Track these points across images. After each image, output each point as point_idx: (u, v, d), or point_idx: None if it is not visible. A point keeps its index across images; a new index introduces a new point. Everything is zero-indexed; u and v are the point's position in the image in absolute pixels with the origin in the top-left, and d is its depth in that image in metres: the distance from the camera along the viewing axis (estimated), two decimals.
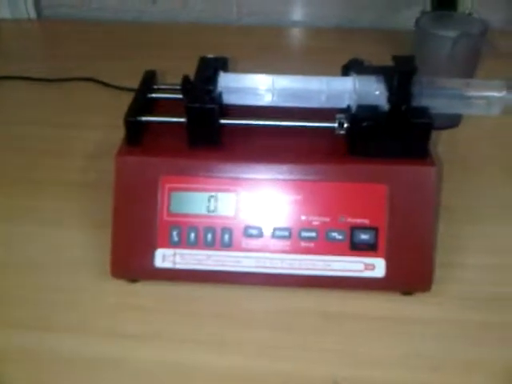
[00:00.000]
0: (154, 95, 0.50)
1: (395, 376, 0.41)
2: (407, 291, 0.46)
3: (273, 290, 0.46)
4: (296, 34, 0.92)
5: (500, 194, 0.56)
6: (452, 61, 0.61)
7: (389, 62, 0.47)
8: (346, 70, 0.50)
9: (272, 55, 0.83)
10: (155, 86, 0.51)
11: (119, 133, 0.63)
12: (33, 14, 0.93)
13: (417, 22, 0.62)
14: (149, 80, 0.51)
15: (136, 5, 0.92)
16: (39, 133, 0.67)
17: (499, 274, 0.49)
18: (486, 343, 0.43)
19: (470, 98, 0.45)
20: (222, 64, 0.49)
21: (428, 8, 0.79)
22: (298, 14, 0.92)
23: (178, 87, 0.50)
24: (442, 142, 0.62)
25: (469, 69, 0.62)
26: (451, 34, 0.60)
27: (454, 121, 0.65)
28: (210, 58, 0.50)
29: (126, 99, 0.71)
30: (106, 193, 0.52)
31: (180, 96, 0.49)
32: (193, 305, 0.46)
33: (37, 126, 0.68)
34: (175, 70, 0.70)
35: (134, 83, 0.73)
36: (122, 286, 0.47)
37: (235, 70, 0.50)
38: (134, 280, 0.47)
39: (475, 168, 0.60)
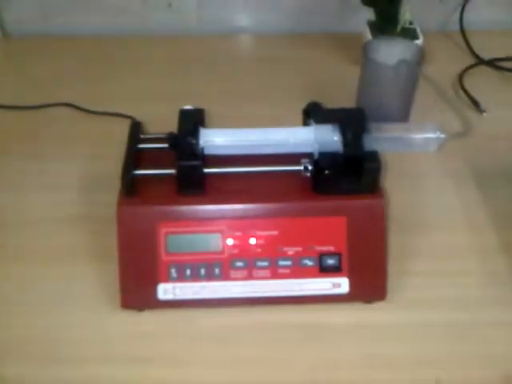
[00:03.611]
0: (141, 146, 0.57)
1: (358, 375, 0.52)
2: (367, 301, 0.56)
3: (258, 310, 0.55)
4: (250, 41, 0.98)
5: (439, 205, 0.67)
6: (393, 85, 0.70)
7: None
8: (306, 114, 0.58)
9: (233, 63, 0.90)
10: (142, 136, 0.58)
11: (102, 163, 0.69)
12: None
13: (363, 50, 0.71)
14: (135, 131, 0.58)
15: (98, 18, 0.96)
16: (19, 167, 0.70)
17: (443, 278, 0.59)
18: (435, 339, 0.54)
19: (410, 139, 0.54)
20: (199, 115, 0.57)
21: (372, 16, 0.87)
22: (250, 20, 0.98)
23: (163, 136, 0.58)
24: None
25: (408, 92, 0.71)
26: (392, 61, 0.69)
27: None
28: (189, 110, 0.58)
29: (104, 124, 0.77)
30: (103, 225, 0.57)
31: (165, 145, 0.56)
32: (192, 328, 0.55)
33: (15, 160, 0.71)
34: (148, 92, 0.79)
35: (110, 107, 0.78)
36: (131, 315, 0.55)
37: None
38: (140, 310, 0.56)
39: (419, 181, 0.70)
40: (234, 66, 0.90)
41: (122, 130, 0.59)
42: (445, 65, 0.89)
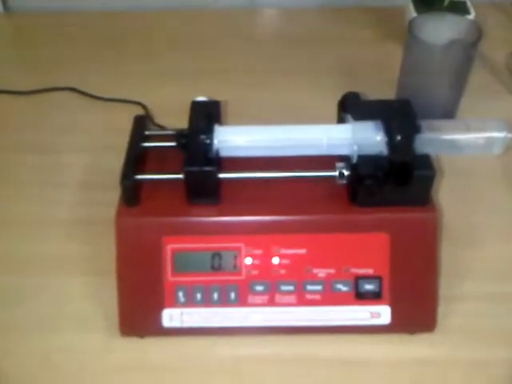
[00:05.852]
0: (146, 144, 0.49)
1: None
2: (412, 332, 0.47)
3: (280, 341, 0.47)
4: (277, 16, 0.89)
5: (501, 211, 0.57)
6: (443, 69, 0.60)
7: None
8: (342, 107, 0.49)
9: (255, 42, 0.81)
10: (147, 132, 0.50)
11: (108, 155, 0.61)
12: None
13: (408, 26, 0.60)
14: (139, 126, 0.49)
15: None
16: (17, 159, 0.63)
17: (503, 303, 0.50)
18: (493, 380, 0.45)
19: (471, 140, 0.45)
20: (214, 109, 0.48)
21: None
22: None
23: (171, 132, 0.49)
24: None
25: (460, 78, 0.61)
26: (442, 41, 0.59)
27: None
28: (202, 102, 0.49)
29: (111, 111, 0.69)
30: (106, 230, 0.47)
31: (173, 144, 0.48)
32: (203, 360, 0.47)
33: (11, 152, 0.64)
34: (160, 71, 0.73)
35: (119, 90, 0.70)
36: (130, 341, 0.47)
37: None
38: (142, 336, 0.48)
39: (473, 183, 0.60)
40: (256, 45, 0.80)
41: (131, 117, 0.51)
42: (497, 42, 0.78)
